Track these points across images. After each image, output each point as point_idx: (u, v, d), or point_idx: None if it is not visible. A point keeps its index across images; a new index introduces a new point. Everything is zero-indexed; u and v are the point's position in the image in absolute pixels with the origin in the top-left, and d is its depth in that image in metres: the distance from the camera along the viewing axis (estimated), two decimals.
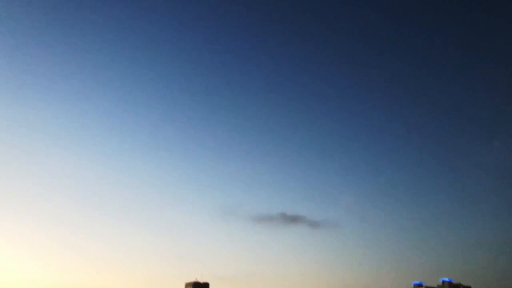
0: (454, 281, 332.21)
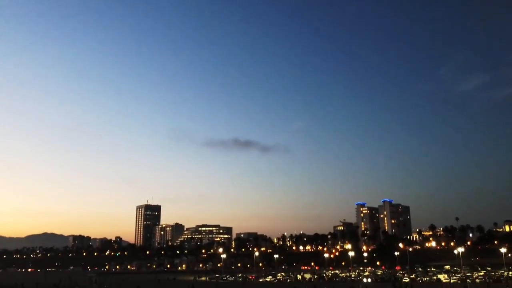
0: (394, 202, 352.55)
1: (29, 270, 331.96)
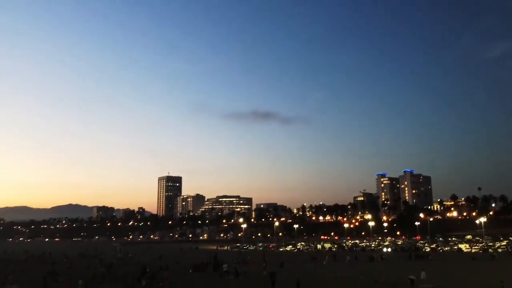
0: (415, 172, 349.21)
1: (56, 239, 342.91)
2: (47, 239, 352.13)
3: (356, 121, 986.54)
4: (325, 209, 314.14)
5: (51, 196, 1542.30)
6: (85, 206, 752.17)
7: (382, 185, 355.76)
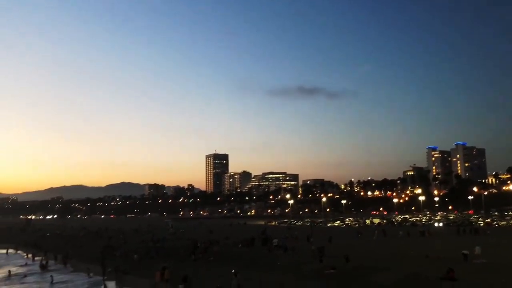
0: (468, 144, 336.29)
1: (111, 216, 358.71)
2: (102, 216, 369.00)
3: (404, 93, 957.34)
4: (373, 184, 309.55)
5: (105, 175, 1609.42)
6: (137, 184, 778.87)
7: (433, 158, 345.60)
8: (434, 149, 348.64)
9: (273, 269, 40.05)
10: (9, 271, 51.55)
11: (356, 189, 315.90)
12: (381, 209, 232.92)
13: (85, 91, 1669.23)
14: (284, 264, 42.28)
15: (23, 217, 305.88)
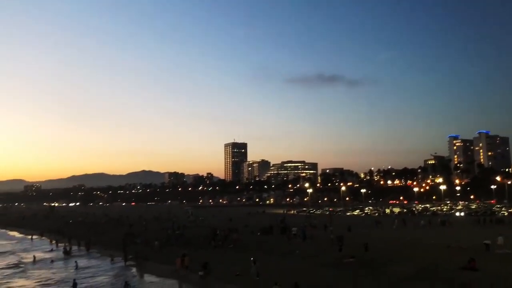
0: (491, 133, 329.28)
1: (132, 204, 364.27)
2: (123, 204, 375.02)
3: (426, 80, 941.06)
4: (393, 173, 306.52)
5: (126, 163, 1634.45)
6: (157, 172, 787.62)
7: (455, 147, 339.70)
8: (456, 138, 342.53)
9: (292, 257, 40.24)
10: (34, 257, 52.97)
11: (375, 178, 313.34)
12: (401, 198, 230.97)
13: (107, 82, 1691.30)
14: (303, 252, 42.41)
15: (47, 204, 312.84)
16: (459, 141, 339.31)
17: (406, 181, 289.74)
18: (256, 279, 30.95)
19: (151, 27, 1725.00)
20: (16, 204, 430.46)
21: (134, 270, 42.42)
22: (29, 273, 43.39)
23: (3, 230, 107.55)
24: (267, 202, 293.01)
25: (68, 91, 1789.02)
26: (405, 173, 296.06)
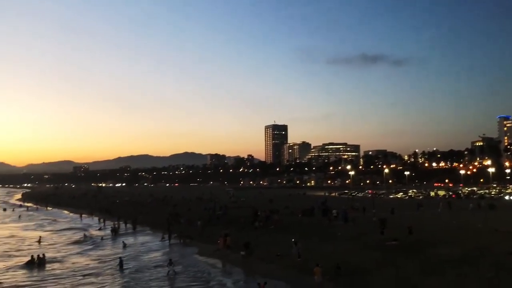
0: None
1: (175, 185, 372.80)
2: (167, 184, 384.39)
3: (474, 59, 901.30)
4: (438, 155, 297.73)
5: (169, 145, 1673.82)
6: (199, 154, 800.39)
7: (505, 128, 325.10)
8: (506, 118, 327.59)
9: (333, 239, 40.15)
10: (84, 235, 55.42)
11: (420, 160, 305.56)
12: (446, 181, 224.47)
13: (152, 69, 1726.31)
14: (345, 234, 42.22)
15: (95, 184, 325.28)
16: (510, 121, 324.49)
17: (452, 164, 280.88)
18: (298, 260, 31.16)
19: (192, 8, 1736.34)
20: (66, 184, 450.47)
21: (177, 248, 43.64)
22: (82, 251, 45.41)
23: (58, 209, 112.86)
24: (308, 184, 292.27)
25: (115, 78, 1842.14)
26: (451, 155, 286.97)
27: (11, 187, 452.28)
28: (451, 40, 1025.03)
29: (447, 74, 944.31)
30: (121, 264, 34.43)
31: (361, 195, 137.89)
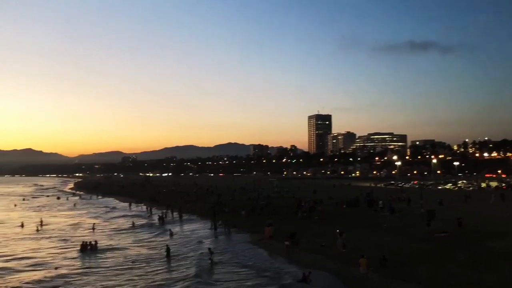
0: None
1: (220, 174, 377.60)
2: (211, 174, 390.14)
3: None
4: (490, 145, 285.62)
5: (213, 135, 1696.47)
6: (243, 145, 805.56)
7: None
8: None
9: (379, 230, 39.53)
10: (133, 223, 57.27)
11: (470, 150, 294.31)
12: (498, 171, 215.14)
13: (196, 61, 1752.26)
14: (391, 226, 41.47)
15: (142, 174, 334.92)
16: None
17: (505, 154, 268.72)
18: (343, 251, 30.93)
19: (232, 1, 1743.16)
20: (115, 174, 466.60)
21: (222, 237, 44.31)
22: (131, 238, 46.96)
23: (108, 198, 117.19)
24: (353, 174, 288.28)
25: (164, 75, 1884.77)
26: (504, 144, 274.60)
27: (64, 177, 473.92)
28: (504, 26, 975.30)
29: (500, 61, 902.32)
30: (168, 251, 35.39)
31: (408, 186, 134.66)
